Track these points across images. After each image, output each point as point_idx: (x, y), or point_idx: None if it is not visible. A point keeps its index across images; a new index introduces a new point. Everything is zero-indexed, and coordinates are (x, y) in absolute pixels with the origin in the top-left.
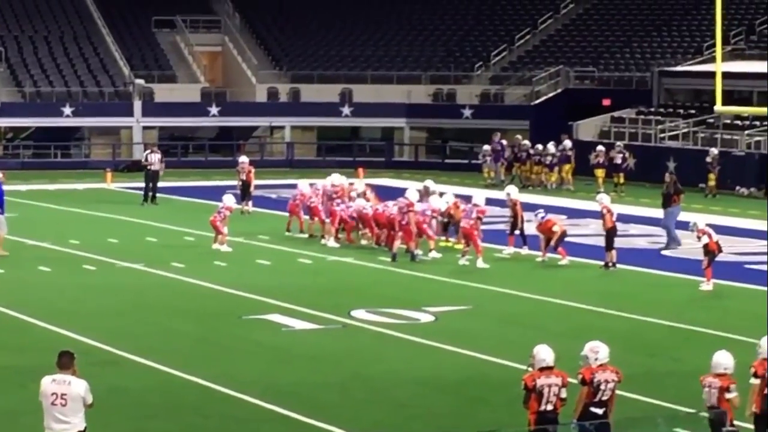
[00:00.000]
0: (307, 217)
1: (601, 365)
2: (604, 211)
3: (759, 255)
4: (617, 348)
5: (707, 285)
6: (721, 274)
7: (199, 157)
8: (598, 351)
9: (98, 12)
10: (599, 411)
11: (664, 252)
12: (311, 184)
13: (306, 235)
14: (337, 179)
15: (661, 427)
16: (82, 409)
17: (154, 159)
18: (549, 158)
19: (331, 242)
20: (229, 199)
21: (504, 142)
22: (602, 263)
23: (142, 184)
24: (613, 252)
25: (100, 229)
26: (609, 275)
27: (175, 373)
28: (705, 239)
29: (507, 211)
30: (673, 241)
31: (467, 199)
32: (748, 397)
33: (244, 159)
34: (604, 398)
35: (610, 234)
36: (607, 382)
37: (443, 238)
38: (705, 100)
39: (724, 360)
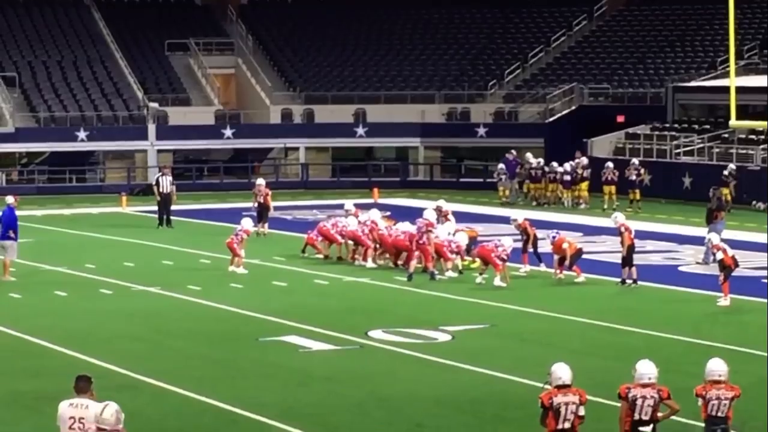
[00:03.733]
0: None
1: (642, 384)
2: (622, 228)
3: None
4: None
5: (725, 300)
6: (738, 289)
7: (214, 180)
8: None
9: (111, 36)
10: (645, 429)
11: (699, 265)
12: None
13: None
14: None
15: None
16: None
17: (165, 182)
18: (564, 176)
19: (370, 263)
20: (247, 223)
21: (519, 160)
22: (619, 280)
23: (157, 208)
24: (634, 269)
25: (116, 253)
26: (626, 292)
27: (192, 396)
28: (720, 255)
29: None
30: (711, 257)
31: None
32: None
33: (261, 181)
34: (645, 417)
35: (630, 251)
36: (644, 398)
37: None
38: (719, 115)
39: (719, 367)
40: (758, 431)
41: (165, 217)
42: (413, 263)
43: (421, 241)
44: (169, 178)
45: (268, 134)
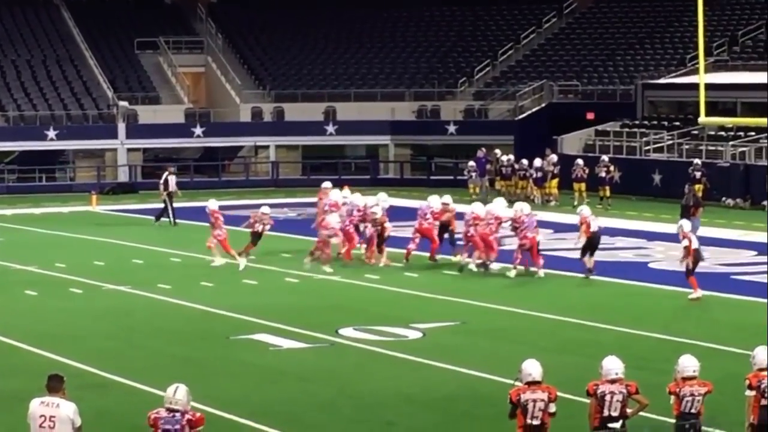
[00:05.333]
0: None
1: (610, 379)
2: (581, 221)
3: (746, 266)
4: None
5: (696, 293)
6: (708, 285)
7: (184, 178)
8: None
9: (81, 35)
10: (615, 425)
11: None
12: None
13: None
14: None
15: None
16: (70, 431)
17: (172, 181)
18: (534, 173)
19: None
20: (212, 203)
21: (489, 157)
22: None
23: (128, 206)
24: (593, 259)
25: (86, 252)
26: (595, 288)
27: (162, 395)
28: (686, 242)
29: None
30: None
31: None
32: (744, 409)
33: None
34: (614, 413)
35: (592, 242)
36: (613, 394)
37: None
38: (689, 112)
39: (692, 363)
40: (728, 426)
41: (171, 213)
42: (464, 256)
43: (469, 234)
44: (175, 177)
45: (238, 132)
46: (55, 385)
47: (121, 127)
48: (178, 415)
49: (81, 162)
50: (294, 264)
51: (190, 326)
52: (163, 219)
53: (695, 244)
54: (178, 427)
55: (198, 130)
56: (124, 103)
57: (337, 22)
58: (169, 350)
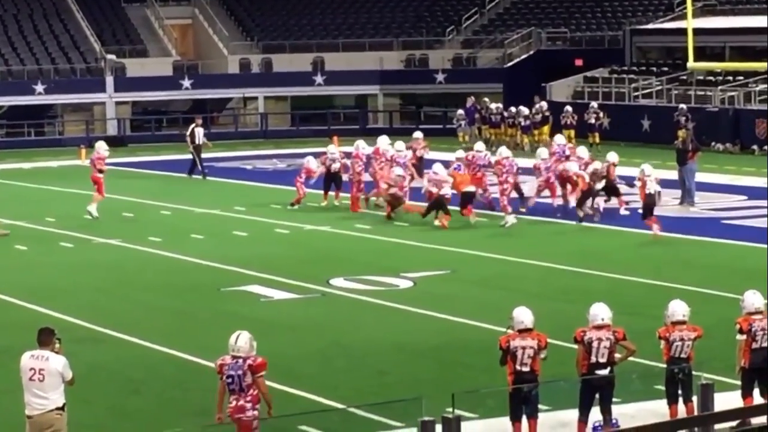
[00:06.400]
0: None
1: (597, 325)
2: (575, 177)
3: (736, 210)
4: None
5: (654, 230)
6: (698, 230)
7: (173, 131)
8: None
9: None
10: (602, 371)
11: (679, 208)
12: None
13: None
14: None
15: (636, 384)
16: (60, 385)
17: (200, 133)
18: (523, 120)
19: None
20: (100, 146)
21: (477, 106)
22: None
23: (117, 160)
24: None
25: (76, 206)
26: (586, 235)
27: (155, 348)
28: (638, 183)
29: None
30: (689, 199)
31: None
32: (735, 353)
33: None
34: (602, 359)
35: (586, 195)
36: (600, 340)
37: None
38: (677, 57)
39: (681, 308)
40: (719, 370)
41: (201, 166)
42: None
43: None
44: (203, 129)
45: (227, 84)
46: (45, 338)
47: (109, 80)
48: (240, 360)
49: (69, 116)
50: (284, 215)
51: (181, 279)
52: (195, 176)
53: (651, 189)
54: (240, 372)
55: (186, 83)
56: (111, 57)
57: None
58: (161, 303)
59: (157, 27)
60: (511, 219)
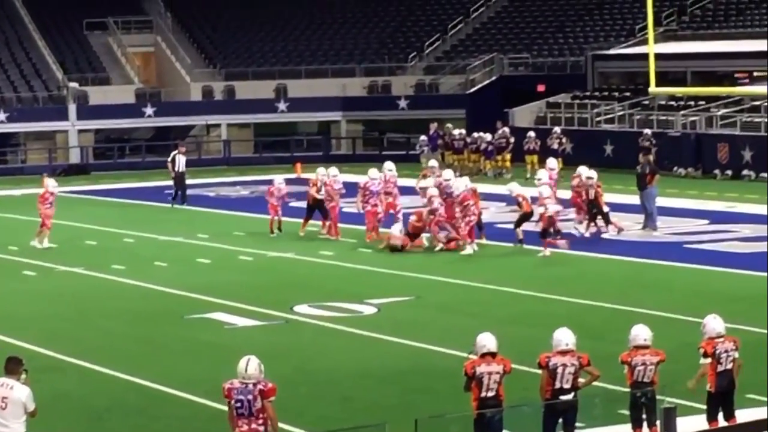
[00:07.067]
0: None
1: (561, 351)
2: (520, 198)
3: (698, 234)
4: None
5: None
6: (660, 255)
7: (136, 158)
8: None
9: (29, 16)
10: (566, 397)
11: (641, 232)
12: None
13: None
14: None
15: (599, 408)
16: (22, 414)
17: (181, 161)
18: (485, 146)
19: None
20: (50, 182)
21: (440, 132)
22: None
23: (80, 188)
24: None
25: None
26: (549, 260)
27: (119, 376)
28: (542, 209)
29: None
30: (651, 223)
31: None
32: (697, 377)
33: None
34: (566, 385)
35: (526, 217)
36: (565, 366)
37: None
38: (639, 82)
39: (644, 332)
40: (684, 394)
41: (181, 193)
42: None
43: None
44: (184, 157)
45: (190, 111)
46: (12, 367)
47: (72, 108)
48: (250, 385)
49: (32, 144)
50: (247, 242)
51: (144, 306)
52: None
53: (550, 212)
54: (250, 397)
55: (149, 110)
56: (74, 85)
57: None
58: (124, 331)
59: (120, 55)
60: (469, 249)
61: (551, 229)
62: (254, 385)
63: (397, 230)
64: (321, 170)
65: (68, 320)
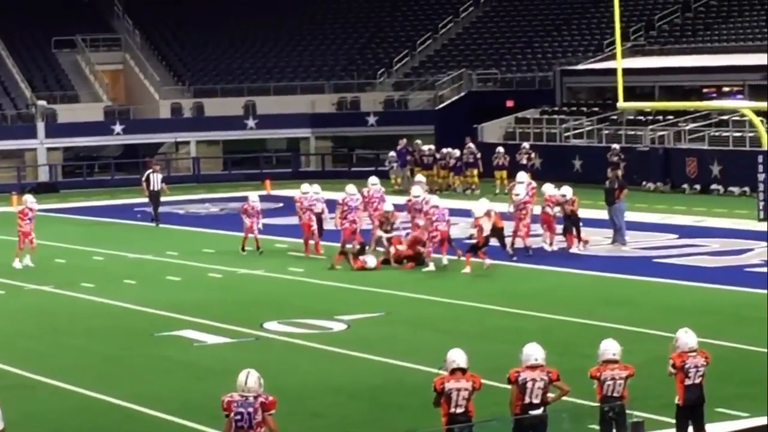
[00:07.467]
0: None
1: (531, 366)
2: (477, 224)
3: (667, 248)
4: None
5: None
6: (630, 269)
7: (105, 176)
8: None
9: None
10: (536, 412)
11: (610, 247)
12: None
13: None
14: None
15: (567, 423)
16: None
17: (156, 179)
18: (454, 162)
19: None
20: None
21: (409, 148)
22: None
23: (49, 206)
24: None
25: (8, 253)
26: (518, 275)
27: (89, 394)
28: (475, 231)
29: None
30: (620, 237)
31: None
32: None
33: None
34: (535, 400)
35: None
36: (534, 381)
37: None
38: (607, 97)
39: (613, 346)
40: (655, 408)
41: (153, 212)
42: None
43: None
44: (159, 175)
45: (158, 129)
46: None
47: (41, 126)
48: (251, 398)
49: (0, 162)
50: (217, 259)
51: (114, 324)
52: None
53: (486, 231)
54: (251, 409)
55: (118, 128)
56: (42, 103)
57: (255, 15)
58: (94, 349)
59: (88, 72)
60: (431, 266)
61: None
62: (255, 398)
63: (372, 262)
64: (305, 186)
65: (37, 339)
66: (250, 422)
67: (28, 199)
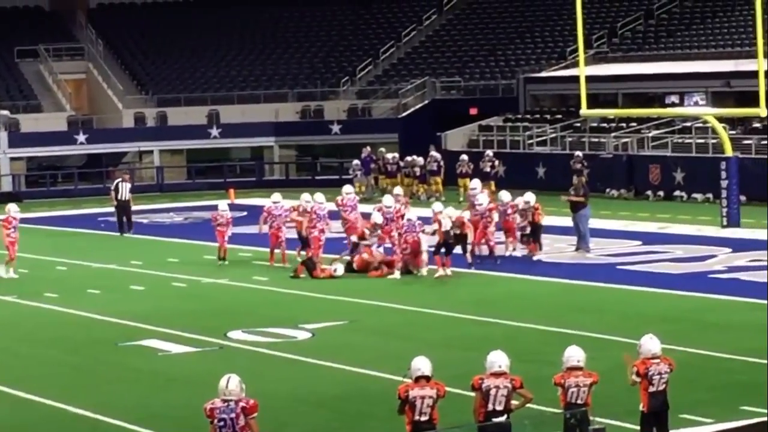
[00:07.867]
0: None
1: (495, 373)
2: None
3: (631, 255)
4: None
5: (441, 271)
6: (593, 276)
7: (69, 186)
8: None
9: None
10: (499, 419)
11: (574, 254)
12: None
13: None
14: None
15: (529, 431)
16: None
17: (125, 188)
18: (418, 170)
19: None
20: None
21: (373, 156)
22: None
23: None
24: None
25: None
26: (483, 283)
27: (52, 404)
28: (435, 225)
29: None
30: (584, 245)
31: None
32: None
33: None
34: (498, 407)
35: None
36: (498, 388)
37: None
38: (571, 105)
39: (577, 353)
40: (619, 415)
41: (127, 221)
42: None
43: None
44: (129, 184)
45: (122, 138)
46: None
47: (3, 136)
48: (232, 403)
49: None
50: (181, 268)
51: (78, 334)
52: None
53: (447, 226)
54: (233, 415)
55: (81, 137)
56: (5, 112)
57: (217, 24)
58: (58, 359)
59: (51, 82)
60: (397, 274)
61: (443, 248)
62: (236, 403)
63: (341, 271)
64: (305, 196)
65: (0, 349)
66: (233, 428)
67: (12, 208)
